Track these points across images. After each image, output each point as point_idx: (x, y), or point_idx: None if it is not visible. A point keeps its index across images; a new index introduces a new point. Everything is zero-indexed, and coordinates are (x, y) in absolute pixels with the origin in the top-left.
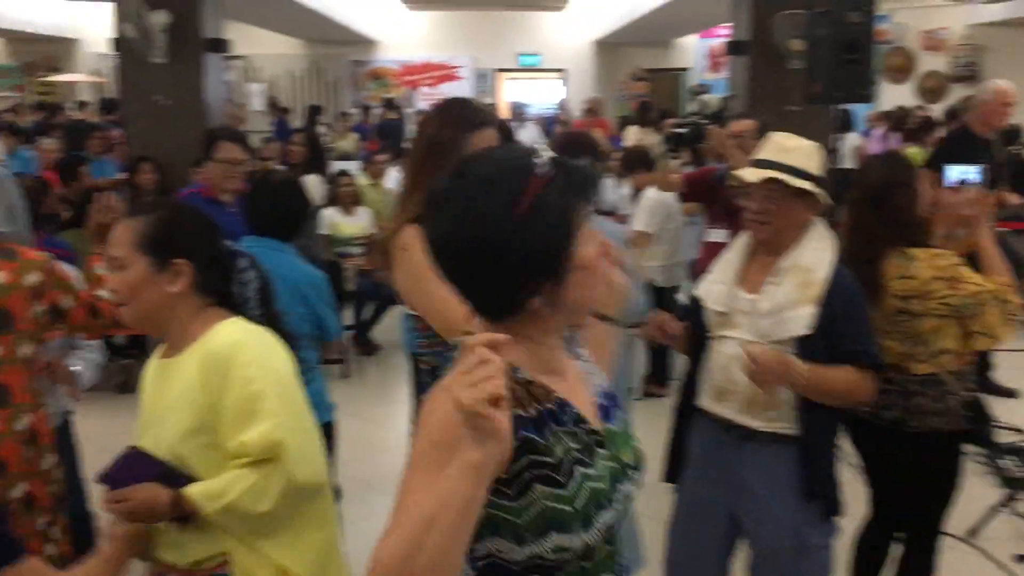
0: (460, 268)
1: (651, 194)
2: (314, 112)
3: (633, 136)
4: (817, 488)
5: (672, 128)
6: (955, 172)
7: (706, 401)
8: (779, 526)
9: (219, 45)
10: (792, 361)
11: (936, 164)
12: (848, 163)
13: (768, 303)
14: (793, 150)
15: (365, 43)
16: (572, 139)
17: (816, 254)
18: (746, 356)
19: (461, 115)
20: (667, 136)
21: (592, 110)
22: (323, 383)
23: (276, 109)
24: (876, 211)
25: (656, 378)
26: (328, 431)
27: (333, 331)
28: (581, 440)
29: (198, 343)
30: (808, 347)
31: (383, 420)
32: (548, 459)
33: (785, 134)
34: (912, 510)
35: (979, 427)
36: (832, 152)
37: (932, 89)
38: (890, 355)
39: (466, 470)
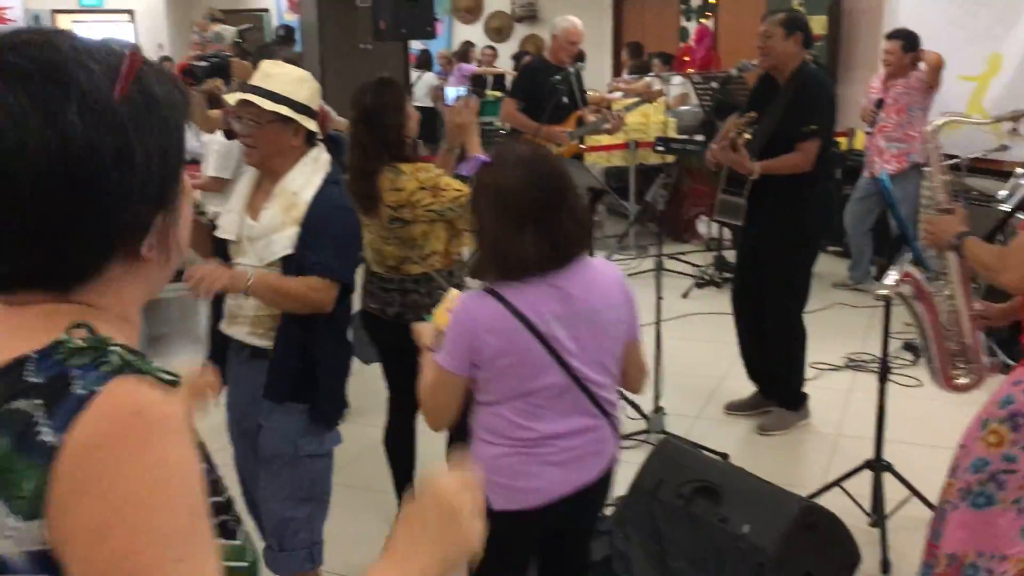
0: (19, 203)
1: (220, 137)
2: None
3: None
4: (310, 402)
5: (192, 61)
6: (451, 93)
7: (223, 324)
8: (273, 435)
9: None
10: (232, 272)
11: (516, 91)
12: (426, 101)
13: (260, 227)
14: (276, 76)
15: None
16: None
17: (304, 178)
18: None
19: None
20: (185, 70)
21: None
22: None
23: None
24: (369, 130)
25: None
26: None
27: None
28: None
29: None
30: (292, 266)
31: None
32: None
33: (274, 62)
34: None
35: None
36: (409, 90)
37: (498, 28)
38: (391, 259)
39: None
